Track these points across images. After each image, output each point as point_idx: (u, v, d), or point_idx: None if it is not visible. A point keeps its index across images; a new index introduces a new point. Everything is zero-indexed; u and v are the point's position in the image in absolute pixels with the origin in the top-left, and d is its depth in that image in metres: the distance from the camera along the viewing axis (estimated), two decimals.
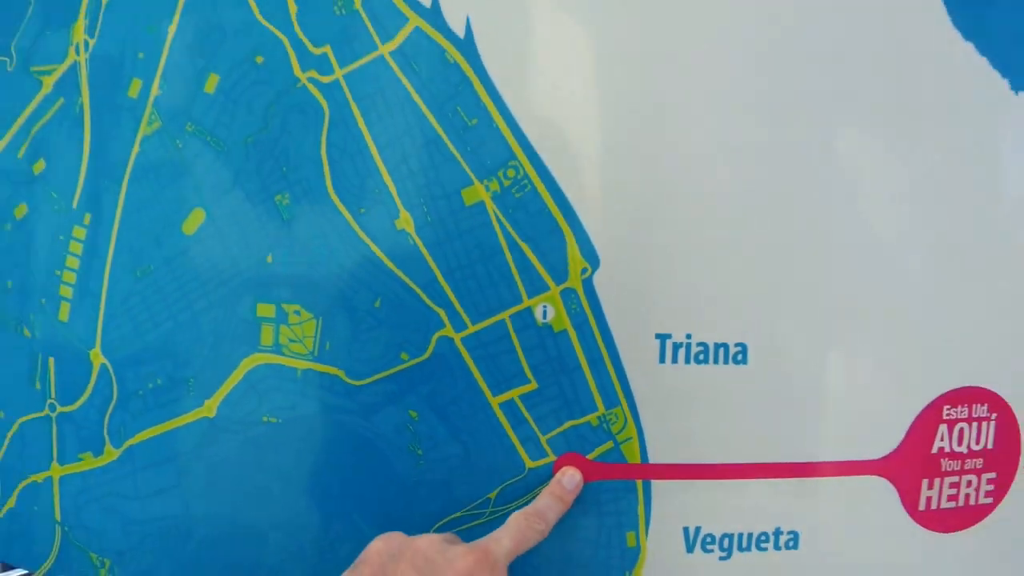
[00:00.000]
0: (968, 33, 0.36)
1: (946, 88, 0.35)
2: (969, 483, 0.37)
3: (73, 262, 0.38)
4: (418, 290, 0.34)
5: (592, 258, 0.34)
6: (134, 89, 0.37)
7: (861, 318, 0.35)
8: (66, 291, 0.38)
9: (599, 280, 0.34)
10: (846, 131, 0.35)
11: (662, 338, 0.34)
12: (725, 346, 0.33)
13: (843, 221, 0.35)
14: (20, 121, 0.40)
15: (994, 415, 0.37)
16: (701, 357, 0.33)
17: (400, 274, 0.34)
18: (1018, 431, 0.37)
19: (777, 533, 0.34)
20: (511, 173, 0.34)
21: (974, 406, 0.36)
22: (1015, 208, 0.37)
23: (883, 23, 0.35)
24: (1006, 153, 0.37)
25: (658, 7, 0.34)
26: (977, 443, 0.36)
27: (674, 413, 0.34)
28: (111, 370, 0.38)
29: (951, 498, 0.36)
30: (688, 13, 0.34)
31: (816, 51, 0.34)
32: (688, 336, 0.34)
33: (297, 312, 0.35)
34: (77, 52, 0.39)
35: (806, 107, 0.34)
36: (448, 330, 0.34)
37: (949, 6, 0.35)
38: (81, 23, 0.39)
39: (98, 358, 0.38)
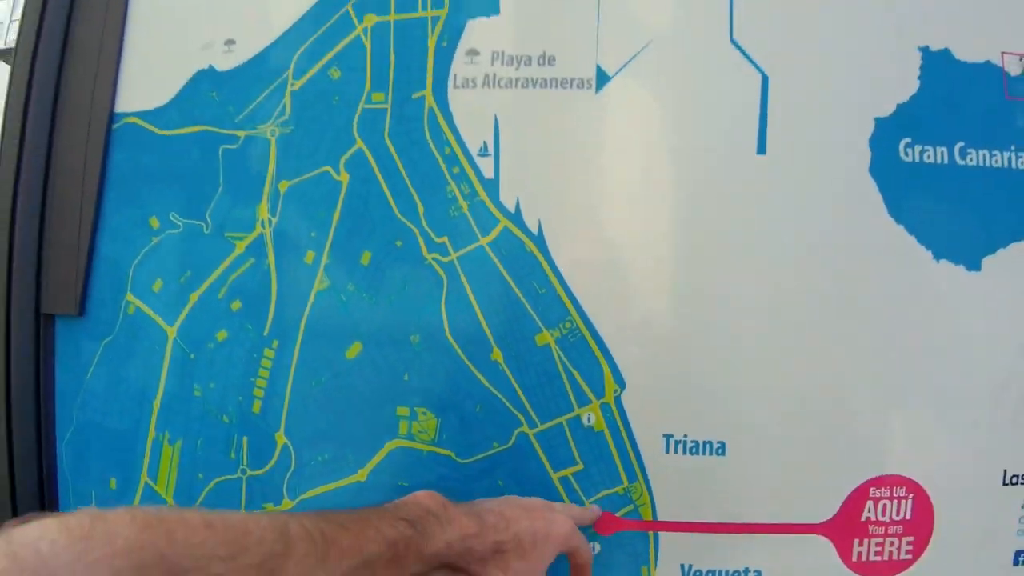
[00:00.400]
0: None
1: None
2: (892, 543, 0.51)
3: (264, 373, 0.56)
4: (505, 401, 0.52)
5: (621, 383, 0.51)
6: (309, 257, 0.54)
7: (809, 423, 0.52)
8: (258, 392, 0.56)
9: (625, 398, 0.51)
10: (814, 297, 0.51)
11: (667, 436, 0.51)
12: (709, 442, 0.51)
13: (803, 362, 0.51)
14: (218, 272, 0.57)
15: (911, 495, 0.51)
16: (693, 450, 0.51)
17: (493, 390, 0.52)
18: (931, 507, 0.51)
19: (746, 571, 0.51)
20: (567, 325, 0.51)
21: (894, 488, 0.51)
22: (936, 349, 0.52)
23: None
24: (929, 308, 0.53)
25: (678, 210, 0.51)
26: (897, 515, 0.51)
27: (675, 487, 0.51)
28: (291, 447, 0.55)
29: (877, 553, 0.51)
30: (704, 217, 0.51)
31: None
32: (684, 435, 0.51)
33: (424, 412, 0.53)
34: (263, 226, 0.56)
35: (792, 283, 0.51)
36: (524, 427, 0.52)
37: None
38: (265, 204, 0.56)
39: (281, 439, 0.55)
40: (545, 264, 0.51)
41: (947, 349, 0.52)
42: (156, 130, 0.59)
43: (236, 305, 0.57)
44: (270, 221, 0.55)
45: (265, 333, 0.55)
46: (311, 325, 0.54)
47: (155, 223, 0.59)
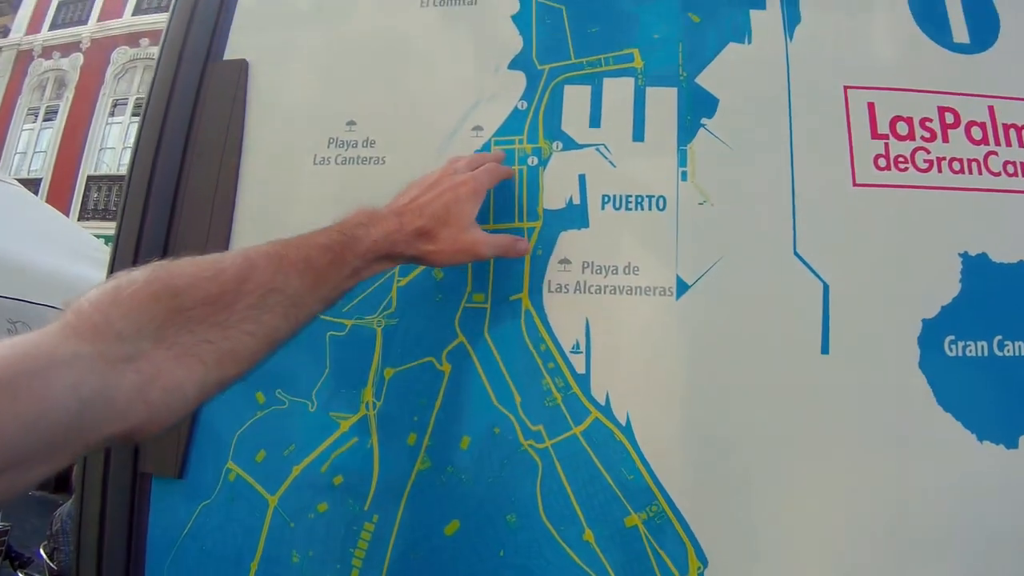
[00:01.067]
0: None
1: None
2: None
3: (363, 544, 0.60)
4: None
5: (703, 560, 0.56)
6: (411, 439, 0.59)
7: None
8: (356, 562, 0.60)
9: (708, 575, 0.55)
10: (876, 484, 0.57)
11: None
12: None
13: (865, 541, 0.56)
14: (321, 448, 0.61)
15: None
16: None
17: (586, 568, 0.56)
18: None
19: None
20: (654, 509, 0.56)
21: None
22: None
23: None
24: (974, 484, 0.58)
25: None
26: None
27: None
28: None
29: None
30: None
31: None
32: None
33: None
34: (367, 408, 0.61)
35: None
36: None
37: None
38: (370, 388, 0.61)
39: None
40: (633, 453, 0.56)
41: (994, 526, 0.57)
42: None
43: (338, 480, 0.61)
44: (374, 404, 0.60)
45: (366, 508, 0.60)
46: (411, 502, 0.59)
47: (261, 398, 0.63)
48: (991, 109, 0.65)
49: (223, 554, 0.63)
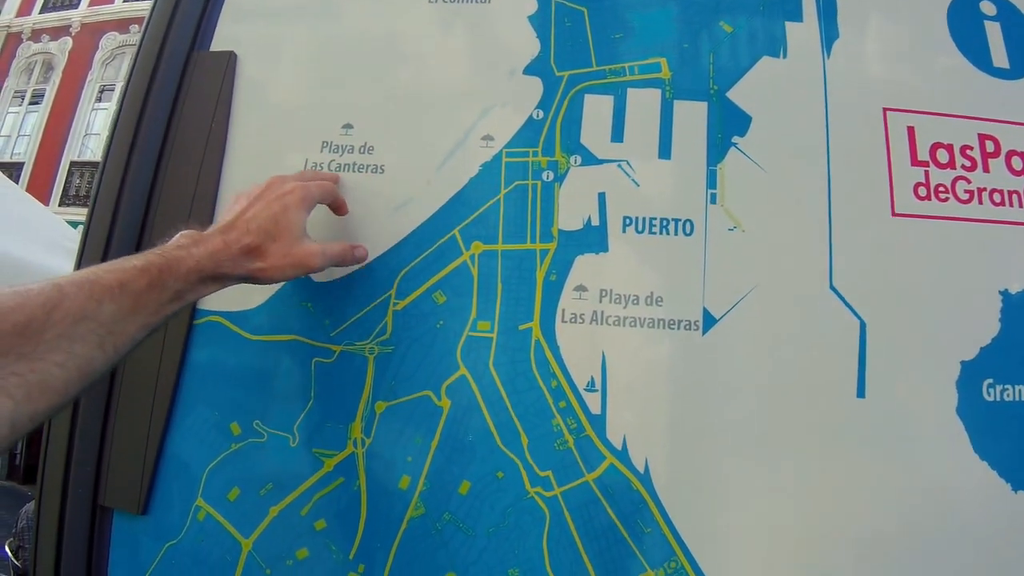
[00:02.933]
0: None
1: None
2: None
3: None
4: None
5: None
6: (404, 483, 0.53)
7: None
8: None
9: None
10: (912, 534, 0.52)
11: None
12: None
13: None
14: (302, 488, 0.55)
15: None
16: None
17: None
18: None
19: None
20: (672, 565, 0.50)
21: None
22: None
23: None
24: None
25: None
26: None
27: None
28: None
29: None
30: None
31: None
32: None
33: None
34: (356, 445, 0.54)
35: None
36: None
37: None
38: (359, 423, 0.55)
39: None
40: (651, 503, 0.51)
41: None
42: (243, 333, 0.58)
43: (320, 524, 0.55)
44: (363, 441, 0.54)
45: (351, 557, 0.54)
46: (402, 551, 0.53)
47: (236, 429, 0.57)
48: None
49: None
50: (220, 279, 0.48)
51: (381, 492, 0.54)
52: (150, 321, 0.44)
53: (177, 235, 0.48)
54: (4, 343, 0.36)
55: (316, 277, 0.57)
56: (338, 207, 0.57)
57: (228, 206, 0.53)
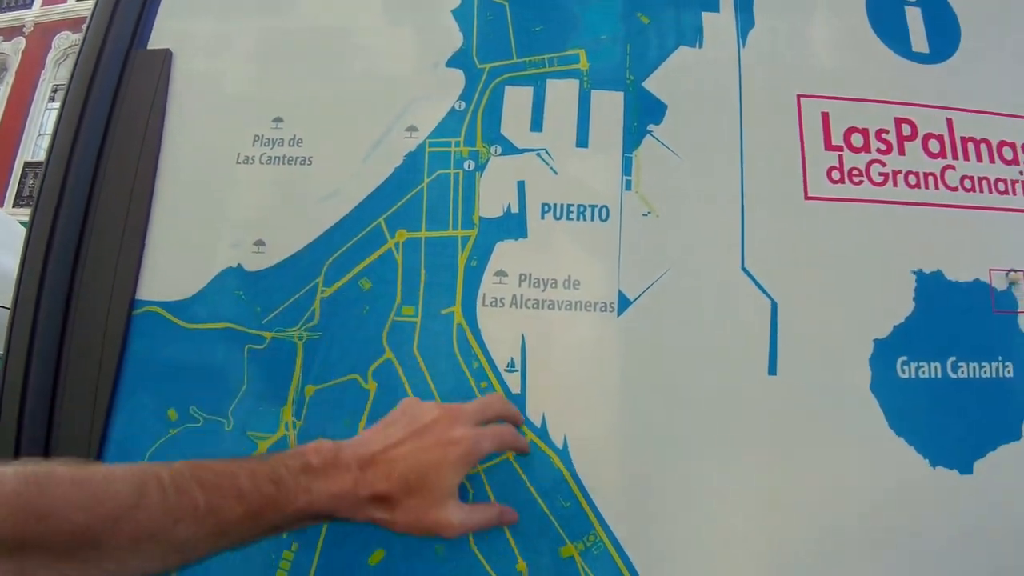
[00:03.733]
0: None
1: None
2: None
3: (282, 575, 0.55)
4: None
5: None
6: None
7: None
8: None
9: None
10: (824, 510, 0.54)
11: None
12: None
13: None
14: None
15: None
16: None
17: None
18: None
19: None
20: (591, 539, 0.52)
21: None
22: None
23: None
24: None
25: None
26: None
27: None
28: None
29: None
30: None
31: None
32: None
33: None
34: (287, 428, 0.56)
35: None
36: None
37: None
38: (290, 407, 0.56)
39: None
40: (570, 479, 0.53)
41: (945, 550, 0.54)
42: (180, 322, 0.59)
43: None
44: (295, 424, 0.56)
45: (284, 535, 0.55)
46: (333, 529, 0.54)
47: (173, 415, 0.58)
48: (949, 122, 0.63)
49: None
50: (332, 519, 0.42)
51: None
52: (226, 547, 0.38)
53: (309, 448, 0.41)
54: (64, 544, 0.33)
55: (248, 266, 0.59)
56: (520, 450, 0.51)
57: (381, 424, 0.45)
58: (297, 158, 0.60)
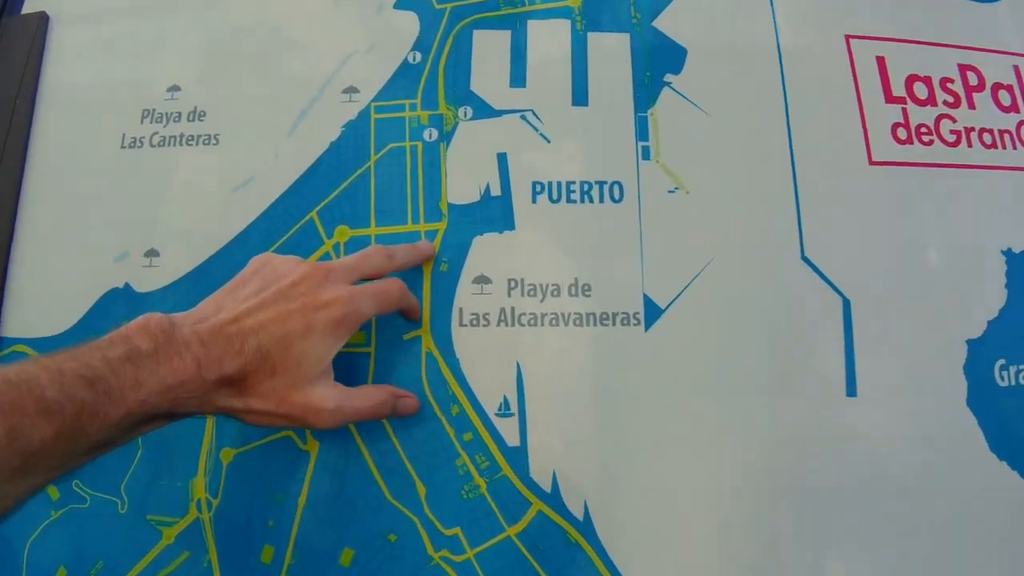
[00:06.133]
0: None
1: None
2: None
3: None
4: None
5: None
6: (267, 555, 0.39)
7: None
8: None
9: None
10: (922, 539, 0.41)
11: None
12: None
13: None
14: (140, 566, 0.41)
15: None
16: None
17: None
18: None
19: None
20: None
21: None
22: None
23: None
24: None
25: None
26: None
27: None
28: None
29: None
30: None
31: None
32: None
33: None
34: (199, 509, 0.41)
35: None
36: None
37: None
38: (201, 479, 0.41)
39: None
40: (595, 557, 0.38)
41: None
42: None
43: None
44: (209, 503, 0.40)
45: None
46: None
47: (55, 494, 0.43)
48: (1016, 69, 0.52)
49: None
50: (176, 416, 0.32)
51: (238, 569, 0.40)
52: (42, 483, 0.28)
53: (134, 327, 0.30)
54: None
55: (137, 285, 0.43)
56: (410, 312, 0.40)
57: (224, 289, 0.35)
58: (200, 137, 0.44)
